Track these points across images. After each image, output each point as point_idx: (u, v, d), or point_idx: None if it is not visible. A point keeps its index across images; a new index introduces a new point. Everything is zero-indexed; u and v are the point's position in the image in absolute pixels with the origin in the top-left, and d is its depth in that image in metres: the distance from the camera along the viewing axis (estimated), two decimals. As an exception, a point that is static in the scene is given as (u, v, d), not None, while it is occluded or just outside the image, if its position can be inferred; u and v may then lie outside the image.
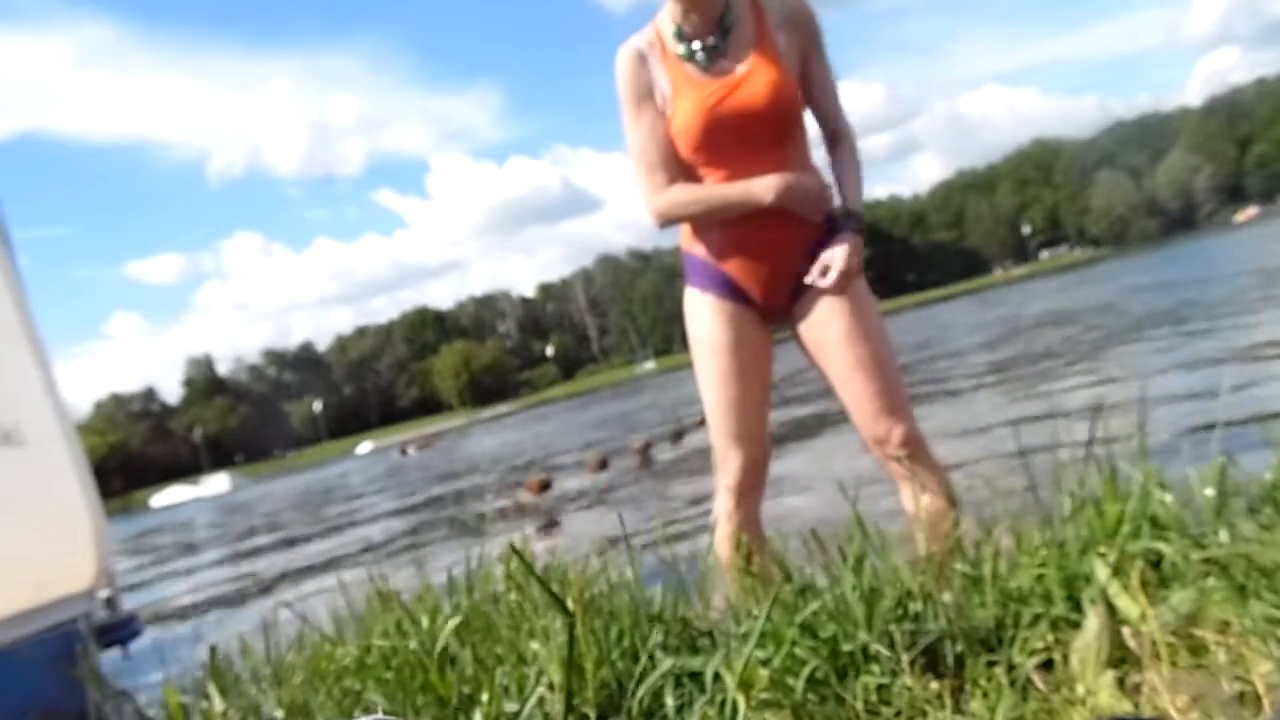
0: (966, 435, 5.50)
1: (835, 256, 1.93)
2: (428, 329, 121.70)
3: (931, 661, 1.27)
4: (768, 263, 1.99)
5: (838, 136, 2.05)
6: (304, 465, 79.26)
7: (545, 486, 7.50)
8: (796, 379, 10.79)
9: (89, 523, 2.66)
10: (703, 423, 9.52)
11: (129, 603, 2.86)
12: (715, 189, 1.96)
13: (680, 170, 2.01)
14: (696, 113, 1.93)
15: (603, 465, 8.35)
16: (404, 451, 36.50)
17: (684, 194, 1.99)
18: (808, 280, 1.96)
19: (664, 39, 2.00)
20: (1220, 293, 11.79)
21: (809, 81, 2.00)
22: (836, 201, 2.01)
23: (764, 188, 1.92)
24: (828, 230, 2.02)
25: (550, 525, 5.78)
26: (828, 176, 2.07)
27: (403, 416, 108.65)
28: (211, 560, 10.33)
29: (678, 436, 9.89)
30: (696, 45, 1.96)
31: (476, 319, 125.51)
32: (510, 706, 1.33)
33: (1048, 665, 1.24)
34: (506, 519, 6.73)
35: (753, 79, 1.91)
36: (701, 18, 1.94)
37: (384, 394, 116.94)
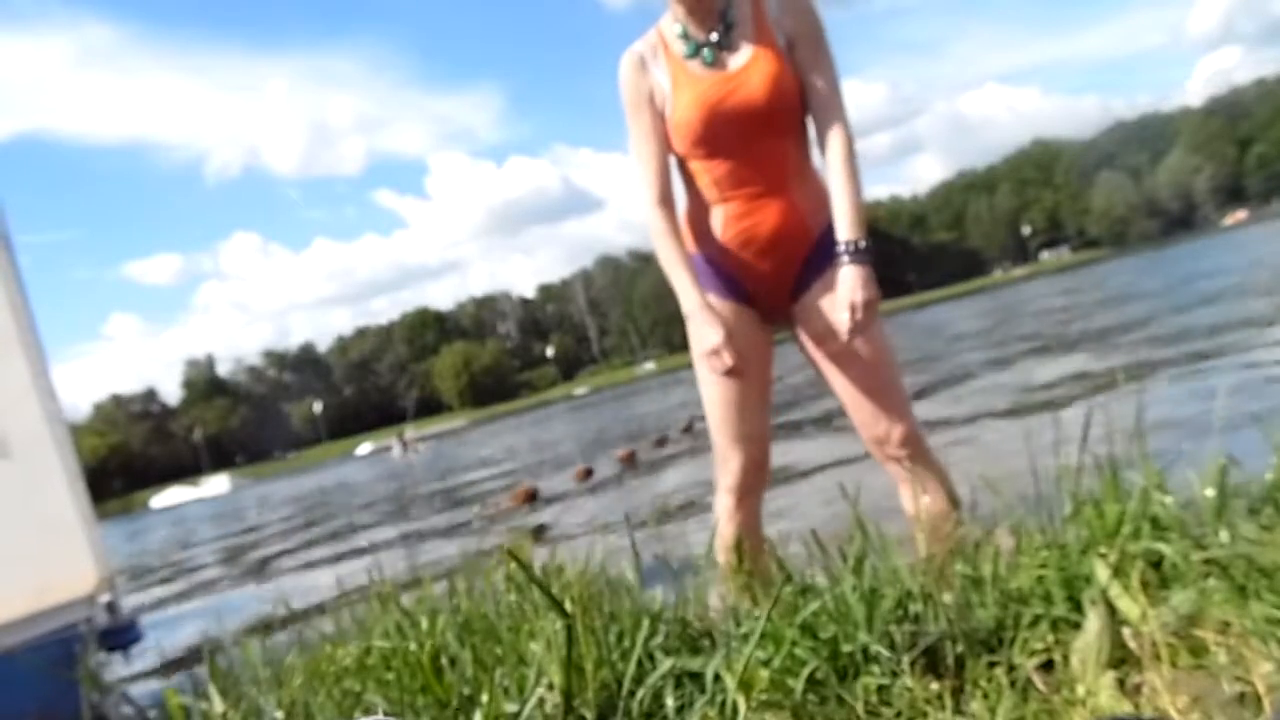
0: (965, 435, 5.49)
1: (843, 301, 1.86)
2: (428, 330, 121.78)
3: (932, 662, 1.27)
4: (768, 263, 1.99)
5: (833, 141, 1.93)
6: (304, 466, 79.19)
7: (532, 496, 7.45)
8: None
9: (82, 530, 2.67)
10: (688, 429, 9.35)
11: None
12: (672, 262, 1.96)
13: (671, 178, 2.02)
14: (695, 107, 1.93)
15: (587, 475, 8.30)
16: (403, 443, 35.81)
17: (658, 235, 1.99)
18: (845, 335, 1.88)
19: (666, 39, 2.01)
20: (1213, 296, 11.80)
21: (803, 75, 1.95)
22: (841, 226, 1.90)
23: (689, 302, 1.93)
24: (830, 233, 2.02)
25: (538, 533, 5.74)
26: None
27: (403, 417, 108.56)
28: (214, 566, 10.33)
29: (662, 443, 9.84)
30: (700, 41, 1.96)
31: (476, 320, 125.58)
32: (510, 707, 1.33)
33: (1048, 666, 1.24)
34: (493, 525, 6.70)
35: (751, 73, 1.91)
36: (703, 14, 1.95)
37: (384, 395, 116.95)
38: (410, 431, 37.13)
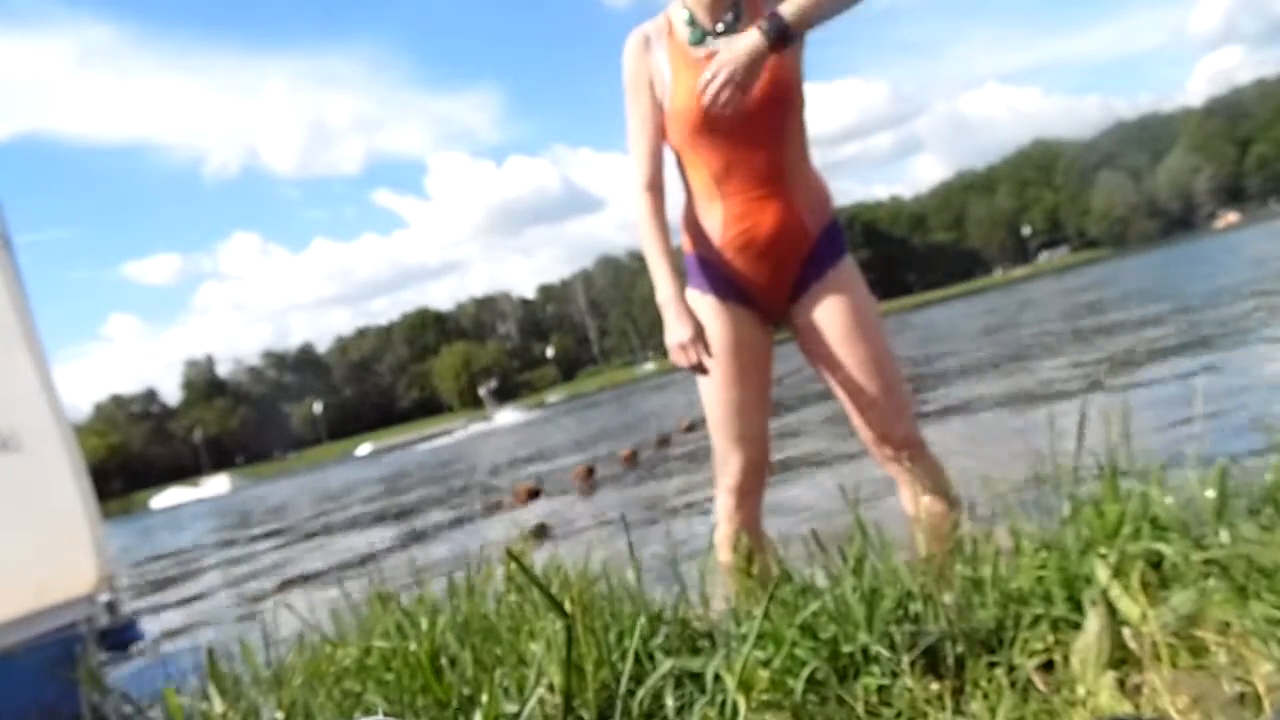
0: (967, 435, 5.49)
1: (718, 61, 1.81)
2: (428, 330, 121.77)
3: (932, 663, 1.27)
4: (767, 264, 1.99)
5: None
6: (304, 466, 79.14)
7: (534, 495, 7.43)
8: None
9: (86, 528, 2.67)
10: (689, 428, 9.34)
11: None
12: (652, 249, 1.96)
13: (663, 164, 2.02)
14: (694, 96, 1.93)
15: (589, 474, 8.30)
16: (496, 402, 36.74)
17: (642, 219, 1.99)
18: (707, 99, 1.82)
19: (673, 25, 2.01)
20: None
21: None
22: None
23: (664, 292, 1.92)
24: (830, 233, 2.02)
25: (540, 532, 5.73)
26: (826, 176, 2.07)
27: (403, 418, 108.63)
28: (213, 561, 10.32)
29: (664, 443, 9.83)
30: (705, 29, 1.96)
31: (476, 320, 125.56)
32: (510, 708, 1.33)
33: (1048, 666, 1.24)
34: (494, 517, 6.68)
35: None
36: (712, 3, 1.95)
37: (384, 395, 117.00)
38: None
